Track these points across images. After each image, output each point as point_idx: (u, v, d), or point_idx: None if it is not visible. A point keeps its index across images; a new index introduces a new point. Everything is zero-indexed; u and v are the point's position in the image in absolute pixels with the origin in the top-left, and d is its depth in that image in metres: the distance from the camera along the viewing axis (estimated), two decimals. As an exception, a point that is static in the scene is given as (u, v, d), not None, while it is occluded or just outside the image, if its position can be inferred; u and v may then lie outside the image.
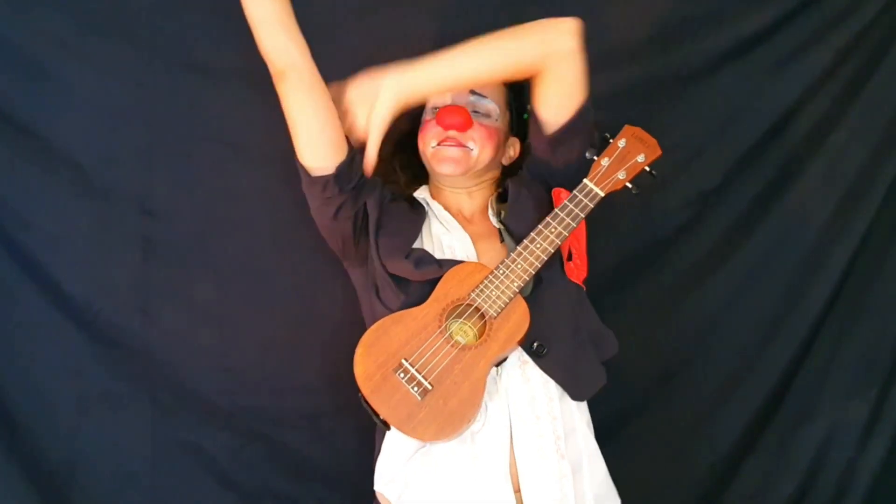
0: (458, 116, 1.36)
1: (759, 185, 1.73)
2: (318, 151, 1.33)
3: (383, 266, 1.34)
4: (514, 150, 1.48)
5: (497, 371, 1.29)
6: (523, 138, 1.47)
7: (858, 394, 1.72)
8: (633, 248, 1.73)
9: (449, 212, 1.43)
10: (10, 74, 1.55)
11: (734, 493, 1.74)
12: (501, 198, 1.44)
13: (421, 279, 1.31)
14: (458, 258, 1.35)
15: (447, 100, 1.40)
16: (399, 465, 1.31)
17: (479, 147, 1.39)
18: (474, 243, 1.39)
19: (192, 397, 1.64)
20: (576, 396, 1.31)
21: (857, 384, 1.73)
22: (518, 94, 1.45)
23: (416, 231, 1.40)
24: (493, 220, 1.42)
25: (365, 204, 1.38)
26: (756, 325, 1.75)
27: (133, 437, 1.63)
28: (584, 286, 1.37)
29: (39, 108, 1.56)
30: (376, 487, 1.35)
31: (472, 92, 1.39)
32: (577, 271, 1.35)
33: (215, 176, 1.63)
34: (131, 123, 1.59)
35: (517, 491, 1.26)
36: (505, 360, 1.29)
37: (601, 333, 1.39)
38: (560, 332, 1.31)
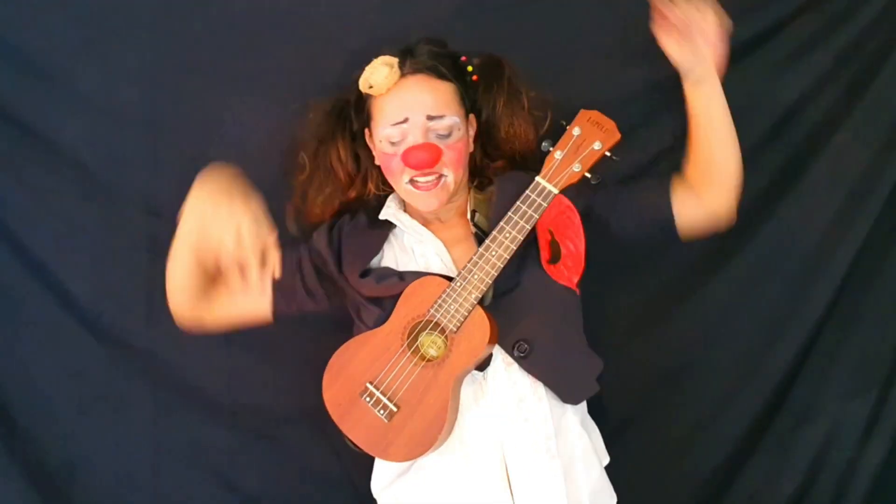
0: (426, 154, 1.28)
1: (761, 186, 1.72)
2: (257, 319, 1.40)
3: (354, 288, 1.35)
4: (472, 129, 1.41)
5: (483, 376, 1.28)
6: (472, 107, 1.40)
7: (859, 394, 1.72)
8: (634, 249, 1.73)
9: (423, 218, 1.40)
10: (15, 76, 1.55)
11: (735, 493, 1.73)
12: (481, 185, 1.43)
13: (387, 294, 1.30)
14: (433, 267, 1.34)
15: (406, 133, 1.30)
16: (394, 472, 1.32)
17: (453, 170, 1.33)
18: (449, 249, 1.37)
19: (194, 397, 1.65)
20: (566, 398, 1.30)
21: (857, 385, 1.72)
22: (459, 66, 1.40)
23: (376, 247, 1.39)
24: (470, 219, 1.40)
25: (314, 266, 1.40)
26: (757, 326, 1.75)
27: (135, 437, 1.64)
28: (577, 289, 1.33)
29: (45, 109, 1.57)
30: (374, 493, 1.36)
31: (429, 117, 1.30)
32: (567, 273, 1.30)
33: (219, 177, 1.63)
34: (136, 124, 1.59)
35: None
36: (487, 365, 1.28)
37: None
38: (544, 332, 1.29)
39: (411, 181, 1.32)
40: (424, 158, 1.27)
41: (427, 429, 1.22)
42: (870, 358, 1.73)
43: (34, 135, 1.57)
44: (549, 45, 1.66)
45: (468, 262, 1.25)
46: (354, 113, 1.41)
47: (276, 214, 1.61)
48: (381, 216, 1.42)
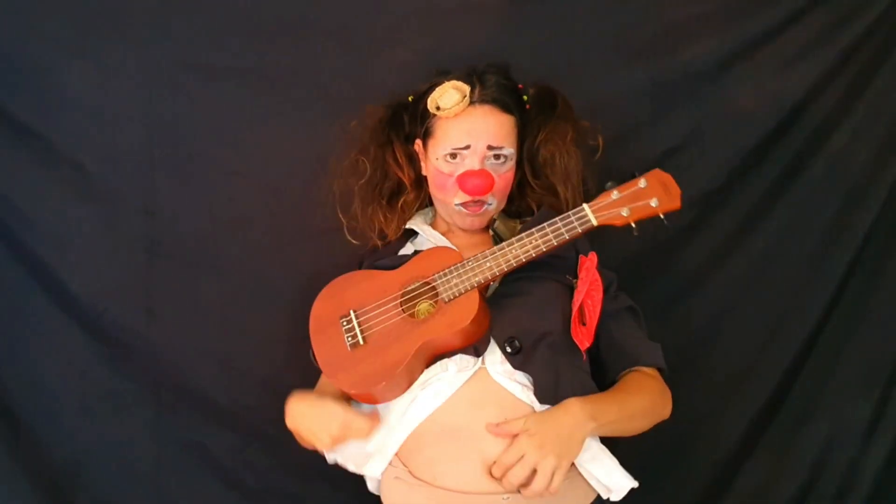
0: (482, 182, 1.35)
1: (762, 185, 1.73)
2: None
3: None
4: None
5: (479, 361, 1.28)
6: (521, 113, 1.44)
7: (861, 393, 1.72)
8: (636, 249, 1.72)
9: (443, 228, 1.48)
10: (12, 75, 1.55)
11: (737, 491, 1.74)
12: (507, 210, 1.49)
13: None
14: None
15: (465, 157, 1.37)
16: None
17: (498, 199, 1.42)
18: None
19: (196, 396, 1.64)
20: (542, 398, 1.26)
21: (859, 383, 1.73)
22: (520, 98, 1.45)
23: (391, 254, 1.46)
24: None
25: None
26: (759, 324, 1.75)
27: (137, 437, 1.63)
28: (584, 354, 1.34)
29: (42, 108, 1.57)
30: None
31: (490, 147, 1.37)
32: (582, 338, 1.32)
33: (218, 176, 1.63)
34: (134, 124, 1.59)
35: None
36: (451, 356, 1.28)
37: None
38: (550, 343, 1.30)
39: (463, 204, 1.39)
40: (480, 186, 1.35)
41: (376, 372, 1.26)
42: (871, 357, 1.73)
43: (32, 134, 1.56)
44: (556, 42, 1.66)
45: (487, 250, 1.29)
46: (409, 121, 1.49)
47: (276, 213, 1.64)
48: (409, 225, 1.51)
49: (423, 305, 1.30)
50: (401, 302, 1.30)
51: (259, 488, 1.66)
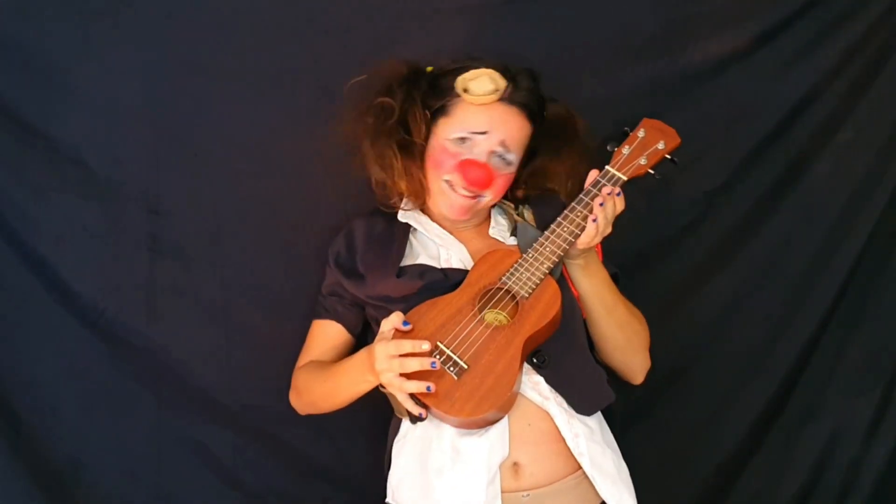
0: (483, 175, 1.34)
1: (764, 184, 1.73)
2: None
3: (377, 292, 1.39)
4: None
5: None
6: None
7: (863, 393, 1.73)
8: (637, 248, 1.73)
9: (447, 225, 1.44)
10: (16, 74, 1.54)
11: (739, 491, 1.74)
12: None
13: (430, 287, 1.34)
14: (454, 265, 1.38)
15: (474, 145, 1.34)
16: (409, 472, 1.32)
17: (493, 196, 1.39)
18: (469, 250, 1.41)
19: (197, 396, 1.64)
20: (579, 409, 1.30)
21: (862, 383, 1.73)
22: (542, 109, 1.43)
23: (400, 249, 1.42)
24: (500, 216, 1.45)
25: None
26: (761, 324, 1.75)
27: (138, 436, 1.63)
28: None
29: (46, 107, 1.56)
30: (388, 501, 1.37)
31: (502, 144, 1.35)
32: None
33: (221, 176, 1.63)
34: (138, 123, 1.59)
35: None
36: (539, 352, 1.30)
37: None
38: (561, 343, 1.32)
39: (449, 183, 1.36)
40: (481, 178, 1.34)
41: (496, 385, 1.23)
42: (874, 357, 1.73)
43: (35, 133, 1.56)
44: (556, 41, 1.66)
45: (540, 237, 1.32)
46: (426, 89, 1.41)
47: (279, 213, 1.64)
48: (401, 218, 1.45)
49: (496, 314, 1.30)
50: (481, 317, 1.28)
51: (259, 487, 1.65)
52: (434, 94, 1.39)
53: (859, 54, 1.69)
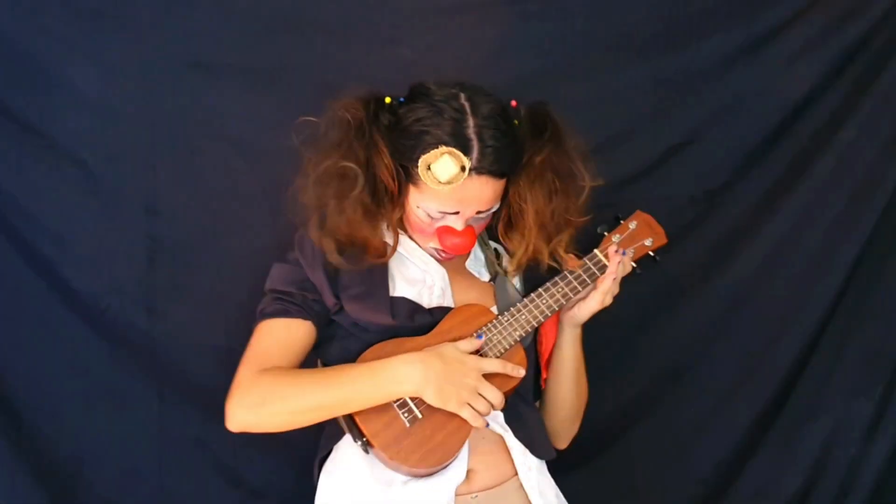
0: (464, 242, 1.27)
1: (766, 183, 1.73)
2: None
3: (351, 316, 1.31)
4: None
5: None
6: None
7: (863, 392, 1.73)
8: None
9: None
10: (14, 73, 1.54)
11: (739, 490, 1.74)
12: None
13: (409, 325, 1.29)
14: (435, 296, 1.33)
15: (451, 214, 1.26)
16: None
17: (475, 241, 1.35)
18: (450, 277, 1.37)
19: (198, 393, 1.64)
20: (534, 450, 1.33)
21: (862, 382, 1.73)
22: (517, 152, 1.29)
23: (382, 275, 1.32)
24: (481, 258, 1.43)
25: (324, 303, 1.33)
26: (762, 322, 1.75)
27: (139, 434, 1.64)
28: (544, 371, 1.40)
29: (44, 106, 1.56)
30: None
31: (479, 212, 1.27)
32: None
33: (219, 174, 1.63)
34: (136, 121, 1.58)
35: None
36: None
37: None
38: (516, 396, 1.32)
39: (436, 248, 1.33)
40: (461, 245, 1.28)
41: (444, 443, 1.23)
42: (874, 355, 1.73)
43: (35, 132, 1.56)
44: (557, 39, 1.66)
45: (519, 303, 1.31)
46: (388, 135, 1.28)
47: (277, 211, 1.63)
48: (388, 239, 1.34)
49: None
50: None
51: (261, 486, 1.67)
52: (398, 149, 1.26)
53: (863, 52, 1.68)
